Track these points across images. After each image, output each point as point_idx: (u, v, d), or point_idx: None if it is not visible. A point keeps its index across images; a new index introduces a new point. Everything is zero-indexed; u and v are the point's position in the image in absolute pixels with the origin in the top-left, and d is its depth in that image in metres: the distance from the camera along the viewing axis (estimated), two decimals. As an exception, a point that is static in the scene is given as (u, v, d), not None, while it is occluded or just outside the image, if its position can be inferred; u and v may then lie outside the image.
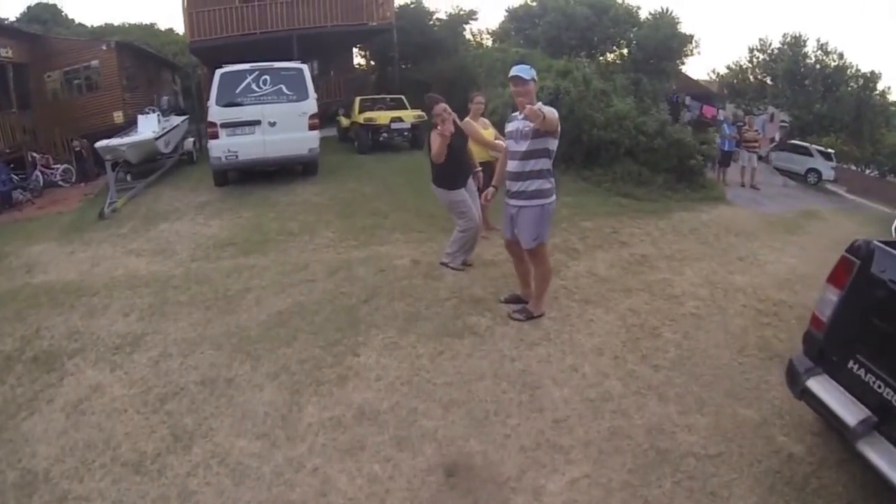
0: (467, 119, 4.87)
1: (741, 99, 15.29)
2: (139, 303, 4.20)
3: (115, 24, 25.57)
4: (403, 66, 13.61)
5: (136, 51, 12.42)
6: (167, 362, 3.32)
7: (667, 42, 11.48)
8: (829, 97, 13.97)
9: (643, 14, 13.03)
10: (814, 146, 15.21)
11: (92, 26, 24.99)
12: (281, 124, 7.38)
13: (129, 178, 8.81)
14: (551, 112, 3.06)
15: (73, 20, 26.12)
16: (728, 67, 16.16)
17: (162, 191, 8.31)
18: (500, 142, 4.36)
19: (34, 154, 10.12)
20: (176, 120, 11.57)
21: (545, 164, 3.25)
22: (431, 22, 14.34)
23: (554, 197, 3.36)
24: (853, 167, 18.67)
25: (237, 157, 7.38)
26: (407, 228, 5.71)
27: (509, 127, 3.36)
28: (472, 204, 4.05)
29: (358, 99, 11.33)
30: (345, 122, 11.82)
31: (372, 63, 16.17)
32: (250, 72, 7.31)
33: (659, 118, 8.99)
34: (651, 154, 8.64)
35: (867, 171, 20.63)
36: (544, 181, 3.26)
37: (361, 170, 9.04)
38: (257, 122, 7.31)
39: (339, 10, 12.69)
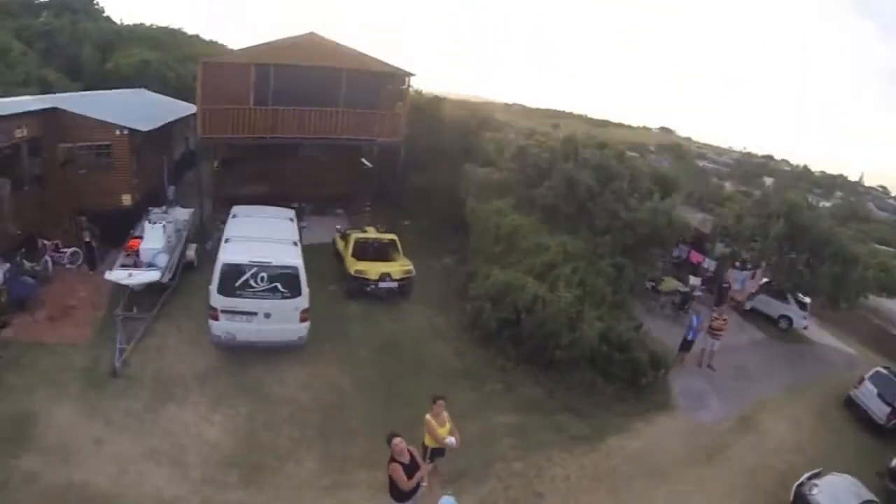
0: (428, 416, 7.15)
1: (731, 240, 17.63)
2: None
3: (146, 23, 26.94)
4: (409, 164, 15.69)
5: (149, 134, 14.00)
6: None
7: (661, 230, 13.28)
8: (812, 268, 16.26)
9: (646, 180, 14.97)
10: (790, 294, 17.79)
11: (120, 22, 26.22)
12: (275, 316, 9.57)
13: (135, 309, 10.74)
14: None
15: (101, 10, 27.25)
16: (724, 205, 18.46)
17: (166, 335, 10.42)
18: (452, 438, 7.08)
19: (45, 241, 12.11)
20: (181, 215, 13.57)
21: None
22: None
23: None
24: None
25: (235, 338, 9.56)
26: (372, 464, 7.86)
27: None
28: None
29: (354, 238, 13.47)
30: (340, 244, 14.23)
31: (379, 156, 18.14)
32: (249, 267, 9.36)
33: (628, 332, 11.34)
34: (609, 364, 11.08)
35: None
36: None
37: (347, 336, 11.53)
38: (254, 313, 9.47)
39: (349, 123, 14.75)
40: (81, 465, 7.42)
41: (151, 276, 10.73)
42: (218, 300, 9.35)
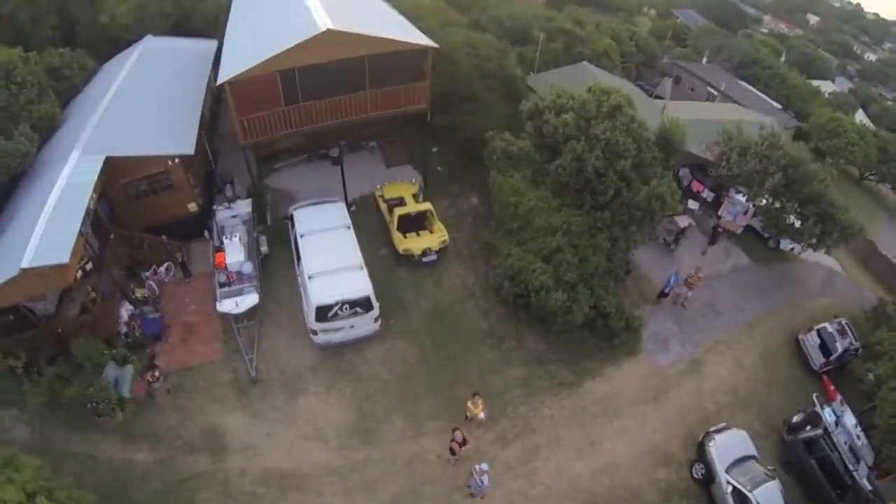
0: (469, 403, 13.74)
1: (734, 166, 20.78)
2: (336, 488, 13.23)
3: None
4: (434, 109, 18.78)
5: (194, 155, 16.21)
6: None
7: (654, 213, 16.40)
8: (800, 217, 19.76)
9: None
10: None
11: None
12: (357, 325, 14.92)
13: (245, 321, 15.65)
14: None
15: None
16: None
17: (273, 336, 15.61)
18: (482, 414, 13.75)
19: (144, 273, 16.17)
20: (243, 208, 17.37)
21: None
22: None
23: None
24: None
25: (331, 341, 15.06)
26: (437, 417, 14.31)
27: None
28: None
29: (397, 215, 17.66)
30: (383, 206, 18.79)
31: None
32: (335, 304, 14.20)
33: (610, 305, 16.50)
34: (594, 324, 16.60)
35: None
36: None
37: (402, 304, 16.96)
38: (342, 328, 14.77)
39: (378, 100, 17.03)
40: (266, 455, 13.39)
41: (253, 299, 15.28)
42: (315, 325, 14.54)
